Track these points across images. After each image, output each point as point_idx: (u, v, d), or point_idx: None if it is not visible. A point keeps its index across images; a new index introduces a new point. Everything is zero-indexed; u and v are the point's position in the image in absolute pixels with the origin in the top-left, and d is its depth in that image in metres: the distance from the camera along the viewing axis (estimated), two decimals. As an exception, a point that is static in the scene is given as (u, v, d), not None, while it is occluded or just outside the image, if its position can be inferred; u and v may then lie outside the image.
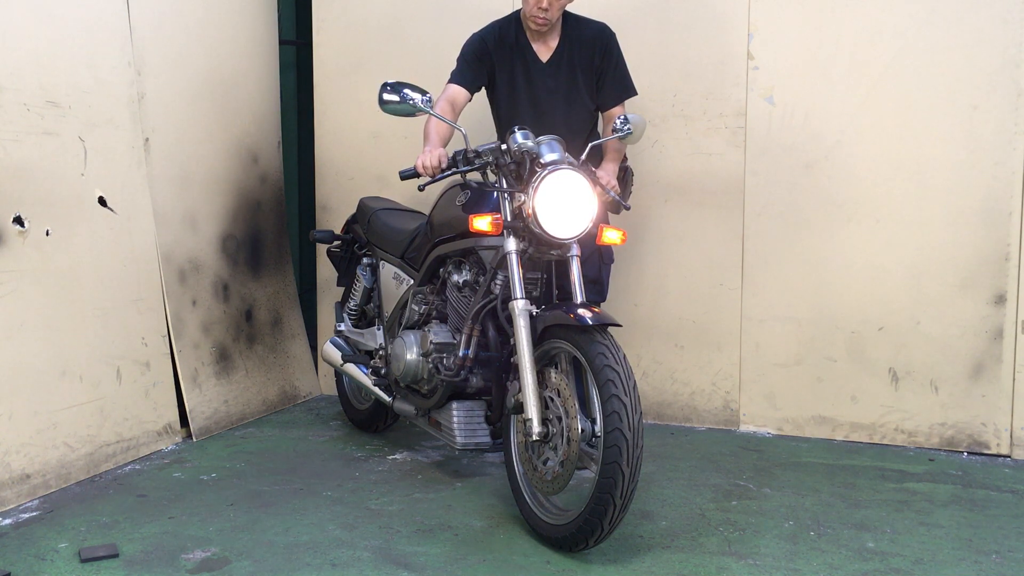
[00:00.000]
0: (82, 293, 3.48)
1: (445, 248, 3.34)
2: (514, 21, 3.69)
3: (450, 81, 3.65)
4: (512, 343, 2.97)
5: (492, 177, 3.16)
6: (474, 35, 3.71)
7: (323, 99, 4.76)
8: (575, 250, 3.02)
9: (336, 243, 4.21)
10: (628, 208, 3.35)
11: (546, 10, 3.48)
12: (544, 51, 3.66)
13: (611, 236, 3.06)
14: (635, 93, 3.75)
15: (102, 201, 3.59)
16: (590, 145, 3.18)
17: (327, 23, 4.72)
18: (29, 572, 2.66)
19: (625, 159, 3.68)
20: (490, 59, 3.66)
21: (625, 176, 3.65)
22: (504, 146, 3.06)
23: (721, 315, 4.21)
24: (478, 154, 3.09)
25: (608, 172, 3.45)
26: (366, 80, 4.52)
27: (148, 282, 3.79)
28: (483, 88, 3.74)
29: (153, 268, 3.83)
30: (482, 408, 3.26)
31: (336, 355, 4.01)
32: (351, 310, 4.15)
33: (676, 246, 4.25)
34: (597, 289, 3.69)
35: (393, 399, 3.63)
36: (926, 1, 3.86)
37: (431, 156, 3.24)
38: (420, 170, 3.23)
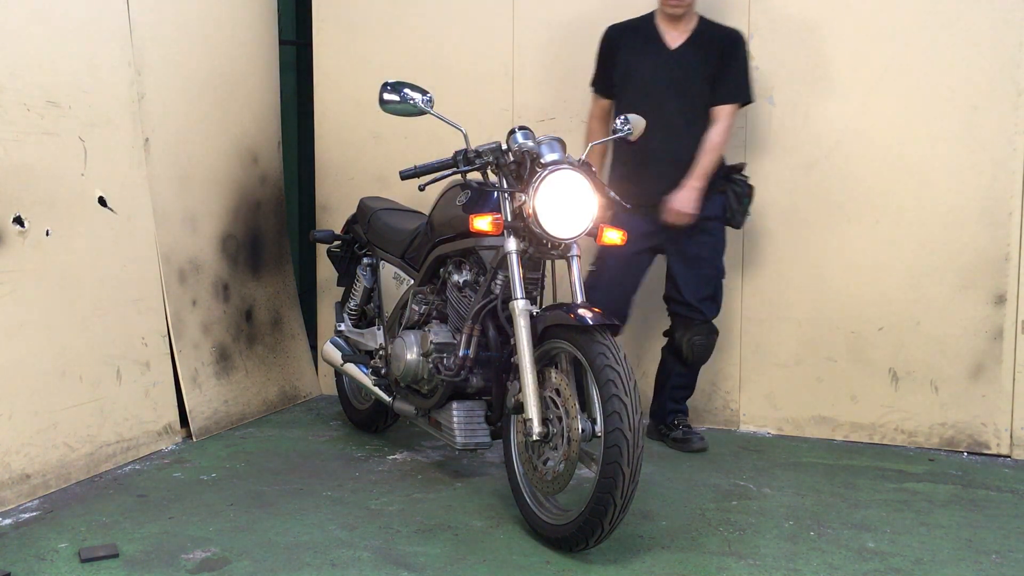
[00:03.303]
0: (82, 293, 3.48)
1: (445, 248, 3.34)
2: (648, 18, 3.79)
3: (594, 90, 3.87)
4: (512, 343, 2.97)
5: (492, 177, 3.16)
6: (605, 31, 3.84)
7: (323, 99, 4.76)
8: (575, 250, 3.02)
9: (336, 243, 4.21)
10: (628, 208, 3.35)
11: None
12: (673, 40, 3.72)
13: (611, 236, 3.06)
14: (748, 99, 3.78)
15: (102, 201, 3.59)
16: (591, 145, 3.18)
17: (327, 23, 4.72)
18: (29, 572, 2.65)
19: (742, 174, 3.79)
20: (616, 45, 3.77)
21: (740, 192, 3.76)
22: (504, 146, 3.07)
23: (721, 315, 4.20)
24: (478, 154, 3.08)
25: (696, 178, 3.63)
26: (366, 80, 4.52)
27: (148, 282, 3.79)
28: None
29: (153, 268, 3.82)
30: (482, 408, 3.26)
31: (336, 355, 4.01)
32: (351, 310, 4.15)
33: (676, 246, 4.24)
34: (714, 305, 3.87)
35: (393, 399, 3.63)
36: (926, 1, 3.86)
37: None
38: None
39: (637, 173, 3.72)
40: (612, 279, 3.77)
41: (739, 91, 3.74)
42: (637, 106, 3.58)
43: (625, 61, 3.76)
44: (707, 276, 3.81)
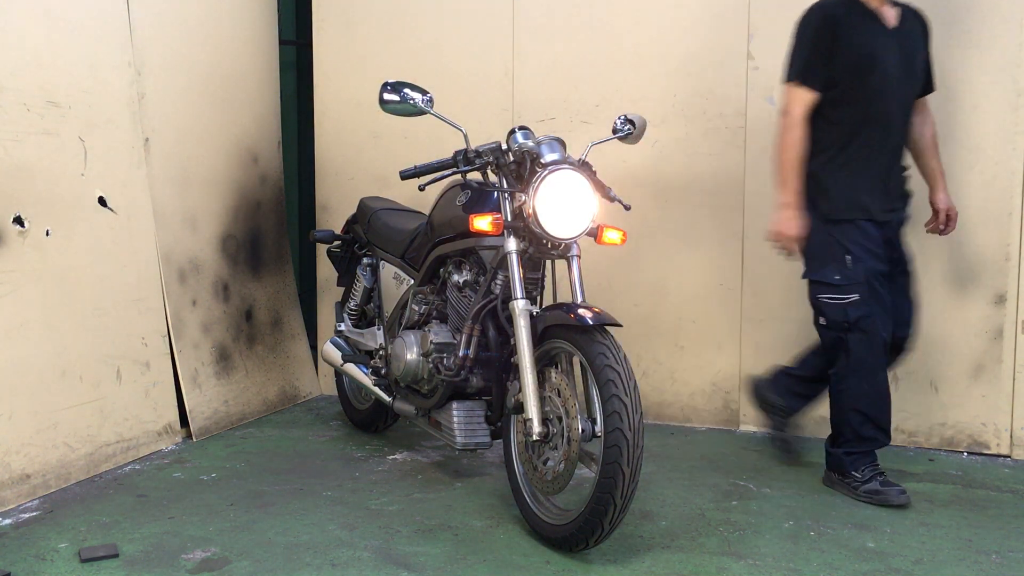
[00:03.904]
0: (82, 293, 3.48)
1: (445, 248, 3.34)
2: None
3: (802, 82, 3.29)
4: (512, 343, 2.97)
5: (492, 177, 3.16)
6: (814, 9, 3.33)
7: (323, 99, 4.76)
8: (575, 250, 3.02)
9: (336, 243, 4.21)
10: (628, 208, 3.34)
11: None
12: (888, 17, 3.37)
13: (611, 236, 3.07)
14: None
15: (102, 201, 3.59)
16: (592, 144, 3.18)
17: (327, 23, 4.72)
18: (29, 572, 2.65)
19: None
20: (842, 25, 3.27)
21: None
22: (504, 146, 3.07)
23: (721, 315, 4.21)
24: (478, 154, 3.08)
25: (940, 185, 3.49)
26: (366, 80, 4.52)
27: (148, 282, 3.79)
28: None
29: (153, 268, 3.83)
30: (482, 408, 3.26)
31: (336, 355, 4.01)
32: (351, 310, 4.15)
33: (676, 246, 4.25)
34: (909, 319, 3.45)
35: (393, 399, 3.63)
36: (926, 1, 3.86)
37: (789, 223, 3.28)
38: (774, 237, 3.33)
39: (866, 177, 3.29)
40: (883, 304, 3.30)
41: (933, 79, 3.52)
42: (875, 96, 3.26)
43: (859, 44, 3.25)
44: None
